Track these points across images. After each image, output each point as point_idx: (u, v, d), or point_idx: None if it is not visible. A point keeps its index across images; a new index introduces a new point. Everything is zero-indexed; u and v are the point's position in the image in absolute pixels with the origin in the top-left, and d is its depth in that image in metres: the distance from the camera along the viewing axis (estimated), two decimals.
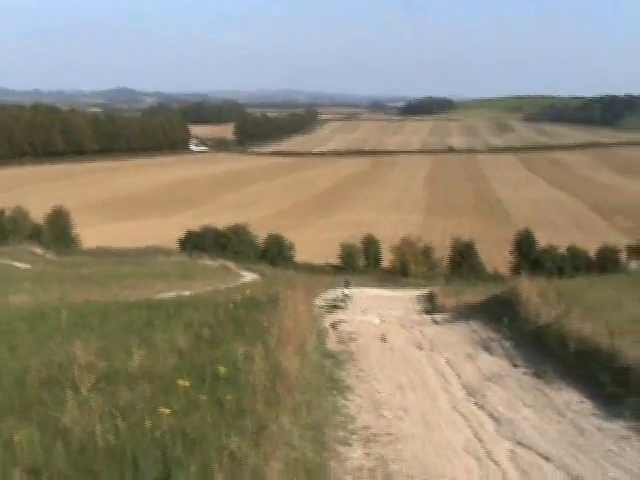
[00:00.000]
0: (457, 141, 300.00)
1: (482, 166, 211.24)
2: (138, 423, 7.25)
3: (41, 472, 6.22)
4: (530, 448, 9.08)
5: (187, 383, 8.07)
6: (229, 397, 8.07)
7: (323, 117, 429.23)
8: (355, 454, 8.90)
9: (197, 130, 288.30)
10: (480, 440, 9.49)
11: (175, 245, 78.61)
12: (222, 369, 8.86)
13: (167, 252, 70.29)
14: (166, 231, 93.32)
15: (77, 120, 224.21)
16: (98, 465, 6.37)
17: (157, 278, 42.82)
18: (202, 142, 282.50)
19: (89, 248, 77.26)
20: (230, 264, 61.35)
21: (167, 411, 7.12)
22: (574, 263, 67.49)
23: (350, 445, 9.24)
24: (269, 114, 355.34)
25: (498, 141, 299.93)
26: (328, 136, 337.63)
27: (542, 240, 77.41)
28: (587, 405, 10.77)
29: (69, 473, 6.29)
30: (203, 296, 26.01)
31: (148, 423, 7.02)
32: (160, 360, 10.49)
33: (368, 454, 8.94)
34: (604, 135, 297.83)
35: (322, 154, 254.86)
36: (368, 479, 8.12)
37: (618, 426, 9.64)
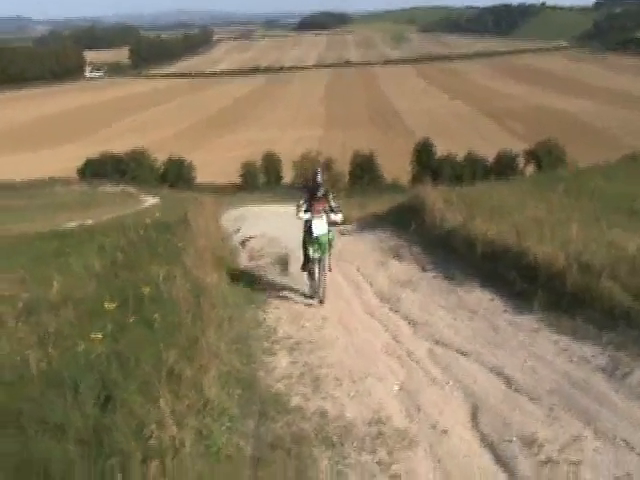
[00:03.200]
0: (354, 54, 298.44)
1: (379, 78, 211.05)
2: (70, 348, 7.31)
3: None
4: (447, 346, 9.47)
5: (113, 306, 8.15)
6: (156, 316, 8.18)
7: (218, 37, 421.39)
8: (281, 363, 9.15)
9: (91, 56, 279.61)
10: (399, 342, 9.83)
11: (74, 174, 76.84)
12: (146, 289, 8.96)
13: (66, 182, 68.74)
14: (63, 161, 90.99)
15: None
16: (36, 392, 6.43)
17: (58, 209, 41.97)
18: (97, 68, 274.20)
19: None
20: (132, 189, 60.57)
21: (99, 335, 7.20)
22: (473, 170, 68.53)
23: (275, 355, 9.48)
24: (163, 36, 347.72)
25: (395, 53, 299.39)
26: (223, 56, 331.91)
27: (441, 149, 78.23)
28: (498, 303, 11.17)
29: (8, 402, 6.34)
30: (110, 222, 25.67)
31: (81, 347, 7.09)
32: (79, 286, 10.48)
33: (294, 362, 9.20)
34: (499, 44, 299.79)
35: (218, 74, 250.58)
36: (298, 385, 8.40)
37: (528, 320, 10.08)
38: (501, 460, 6.46)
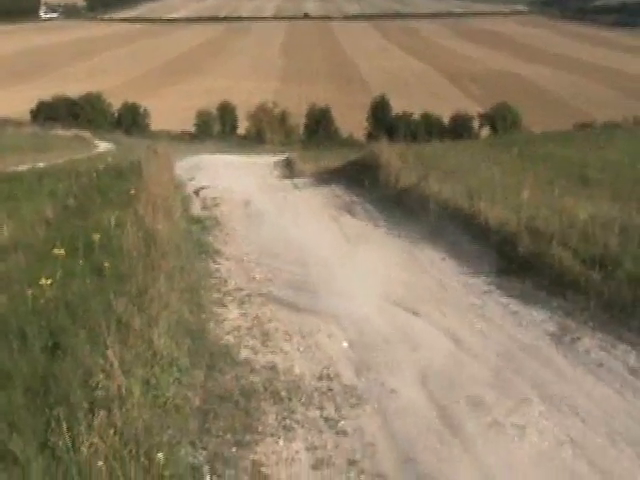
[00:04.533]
0: (312, 7, 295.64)
1: (338, 33, 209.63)
2: (18, 294, 7.20)
3: None
4: (398, 304, 9.50)
5: (62, 252, 8.03)
6: (106, 264, 8.08)
7: None
8: (232, 315, 9.14)
9: None
10: (349, 298, 9.81)
11: (26, 116, 75.54)
12: (96, 236, 8.84)
13: (17, 123, 67.48)
14: (16, 102, 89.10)
15: None
16: None
17: (8, 151, 41.12)
18: (52, 9, 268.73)
19: None
20: (85, 134, 59.70)
21: (47, 281, 7.09)
22: (428, 129, 68.60)
23: (226, 306, 9.48)
24: None
25: (353, 8, 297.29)
26: (181, 2, 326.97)
27: (397, 107, 78.15)
28: (449, 263, 11.26)
29: None
30: (62, 166, 25.28)
31: (29, 293, 6.99)
32: (29, 231, 10.34)
33: (244, 314, 9.20)
34: (458, 5, 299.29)
35: (175, 20, 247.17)
36: (247, 337, 8.39)
37: (480, 281, 10.17)
38: (448, 421, 6.51)
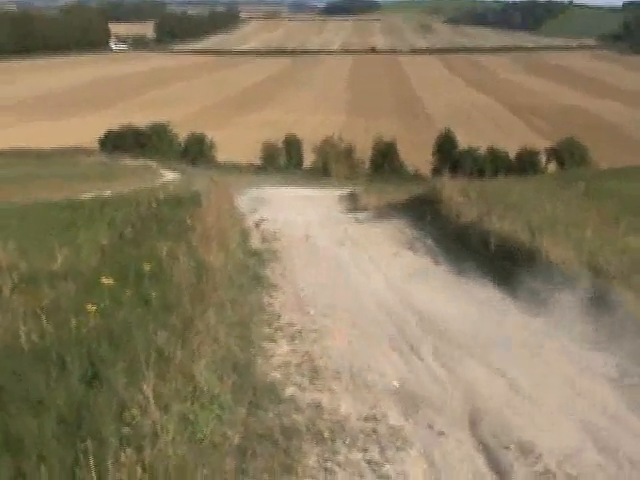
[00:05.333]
0: (379, 41, 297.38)
1: (404, 67, 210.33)
2: (63, 322, 7.13)
3: None
4: (453, 343, 9.21)
5: (111, 281, 7.96)
6: (154, 294, 7.99)
7: (244, 15, 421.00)
8: (281, 350, 8.96)
9: (117, 28, 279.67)
10: (404, 336, 9.61)
11: (95, 145, 76.76)
12: (146, 266, 8.77)
13: (87, 152, 68.73)
14: (86, 131, 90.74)
15: None
16: (23, 366, 6.25)
17: (77, 178, 41.92)
18: (122, 40, 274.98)
19: (6, 149, 74.39)
20: (151, 163, 60.42)
21: (92, 309, 7.01)
22: (494, 164, 67.91)
23: (276, 341, 9.29)
24: (190, 12, 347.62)
25: (420, 42, 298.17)
26: (249, 35, 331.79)
27: (463, 142, 77.66)
28: (508, 302, 10.95)
29: None
30: (125, 195, 25.54)
31: (73, 322, 6.91)
32: (83, 259, 10.33)
33: (294, 350, 9.00)
34: (524, 39, 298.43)
35: (243, 53, 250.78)
36: (295, 374, 8.20)
37: (538, 322, 9.83)
38: (496, 467, 6.22)
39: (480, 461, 6.38)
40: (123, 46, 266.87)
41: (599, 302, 9.56)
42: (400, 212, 19.69)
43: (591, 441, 6.59)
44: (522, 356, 8.65)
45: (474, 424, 7.02)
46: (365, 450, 6.50)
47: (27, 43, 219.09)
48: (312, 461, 6.27)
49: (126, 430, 5.16)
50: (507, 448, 6.50)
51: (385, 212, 20.79)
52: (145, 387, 5.47)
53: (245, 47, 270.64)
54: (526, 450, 6.45)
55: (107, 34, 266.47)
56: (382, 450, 6.51)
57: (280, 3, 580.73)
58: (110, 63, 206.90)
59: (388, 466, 6.26)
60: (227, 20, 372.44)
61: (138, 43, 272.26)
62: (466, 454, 6.48)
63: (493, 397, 7.55)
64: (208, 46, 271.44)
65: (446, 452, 6.50)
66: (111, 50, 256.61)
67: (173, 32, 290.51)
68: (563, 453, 6.37)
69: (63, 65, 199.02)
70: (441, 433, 6.85)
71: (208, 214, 14.38)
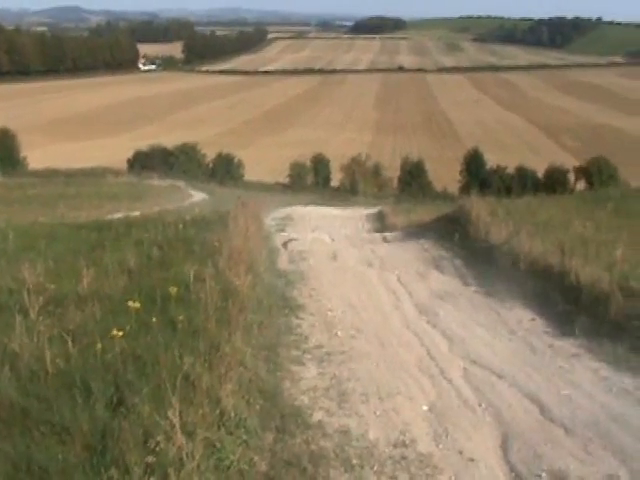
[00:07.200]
0: (407, 60, 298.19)
1: (431, 86, 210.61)
2: (89, 346, 7.09)
3: None
4: (483, 366, 9.11)
5: (138, 304, 7.92)
6: (181, 317, 7.95)
7: (272, 35, 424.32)
8: (309, 373, 8.85)
9: (145, 49, 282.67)
10: (433, 358, 9.49)
11: (124, 165, 77.21)
12: (173, 289, 8.72)
13: (116, 172, 69.06)
14: (115, 151, 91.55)
15: (22, 40, 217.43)
16: (48, 390, 6.22)
17: (105, 198, 42.13)
18: (150, 61, 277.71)
19: (36, 169, 74.97)
20: (179, 183, 60.57)
21: (119, 333, 6.97)
22: (522, 183, 67.64)
23: (304, 364, 9.18)
24: (218, 33, 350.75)
25: (447, 61, 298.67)
26: (277, 55, 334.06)
27: (491, 160, 77.45)
28: (538, 323, 10.82)
29: (18, 400, 6.12)
30: (152, 216, 25.57)
31: (99, 346, 6.87)
32: (110, 281, 10.30)
33: (322, 373, 8.89)
34: (552, 57, 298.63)
35: (271, 73, 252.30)
36: (323, 398, 8.10)
37: (569, 344, 9.70)
38: None
39: None
40: (152, 66, 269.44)
41: (630, 324, 9.42)
42: (428, 231, 19.52)
43: (625, 469, 6.45)
44: (554, 380, 8.52)
45: (505, 450, 6.90)
46: (394, 478, 6.38)
47: (57, 64, 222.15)
48: None
49: (150, 458, 5.09)
50: (538, 476, 6.37)
51: (413, 231, 20.67)
52: (170, 413, 5.40)
53: (272, 67, 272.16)
54: (558, 478, 6.32)
55: (136, 54, 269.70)
56: (411, 477, 6.40)
57: (307, 23, 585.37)
58: (139, 83, 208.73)
59: None
60: (255, 40, 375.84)
61: (166, 63, 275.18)
62: None
63: (524, 422, 7.43)
64: (236, 66, 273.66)
65: (476, 479, 6.39)
66: (140, 70, 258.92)
67: (201, 52, 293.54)
68: None
69: (92, 85, 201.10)
70: (471, 459, 6.74)
71: (235, 235, 14.32)
